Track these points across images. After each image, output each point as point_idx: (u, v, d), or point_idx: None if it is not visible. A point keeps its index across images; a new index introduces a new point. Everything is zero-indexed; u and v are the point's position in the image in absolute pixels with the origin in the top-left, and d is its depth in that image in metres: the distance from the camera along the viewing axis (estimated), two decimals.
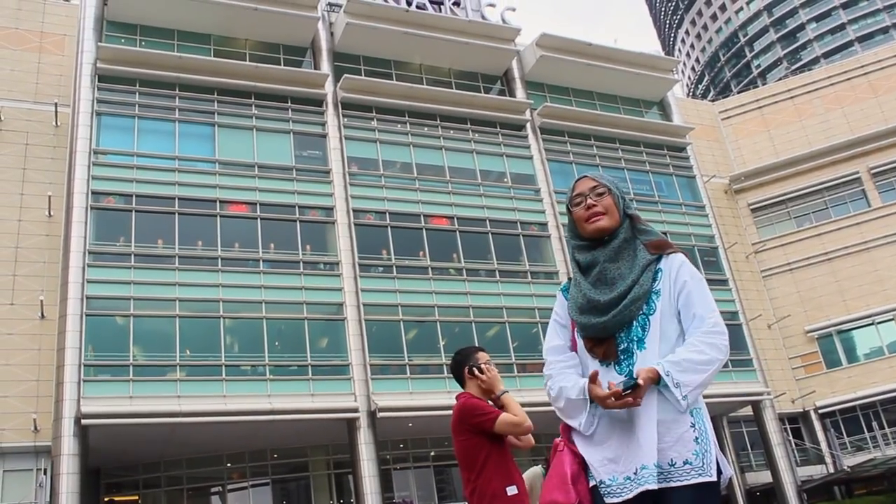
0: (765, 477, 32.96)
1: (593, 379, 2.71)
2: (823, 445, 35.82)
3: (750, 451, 35.32)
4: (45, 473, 22.77)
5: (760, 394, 31.29)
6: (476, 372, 4.46)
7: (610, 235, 2.89)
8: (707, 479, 2.63)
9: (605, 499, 2.72)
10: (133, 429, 22.25)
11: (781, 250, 39.13)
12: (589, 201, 2.89)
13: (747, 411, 32.70)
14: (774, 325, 37.51)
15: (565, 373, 2.88)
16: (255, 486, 26.95)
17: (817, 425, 36.37)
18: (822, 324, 37.45)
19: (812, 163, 39.95)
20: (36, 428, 23.02)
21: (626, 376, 2.73)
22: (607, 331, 2.75)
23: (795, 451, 35.14)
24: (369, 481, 23.81)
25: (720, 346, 2.72)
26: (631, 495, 2.65)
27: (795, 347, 37.66)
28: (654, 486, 2.60)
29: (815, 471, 34.85)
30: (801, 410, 36.49)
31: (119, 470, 25.86)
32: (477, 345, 27.15)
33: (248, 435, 24.53)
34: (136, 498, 26.27)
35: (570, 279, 3.03)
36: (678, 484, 2.63)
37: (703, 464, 2.65)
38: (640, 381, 2.61)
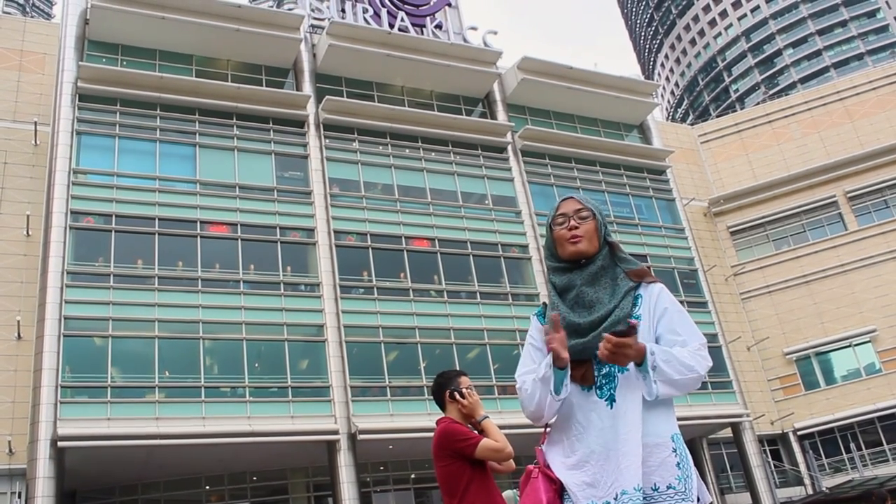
0: (744, 499, 33.00)
1: (556, 327, 2.68)
2: (802, 467, 35.95)
3: (729, 472, 35.37)
4: (19, 497, 22.39)
5: (740, 415, 31.41)
6: (457, 396, 4.46)
7: (587, 259, 2.89)
8: (689, 503, 2.63)
9: None
10: (110, 451, 21.98)
11: (760, 273, 39.45)
12: (572, 223, 2.89)
13: (727, 433, 32.80)
14: (753, 346, 37.73)
15: (532, 368, 2.85)
16: None
17: (796, 447, 36.52)
18: (801, 346, 37.72)
19: (789, 186, 40.40)
20: (11, 450, 22.67)
21: (606, 400, 2.73)
22: (587, 352, 2.73)
23: (774, 473, 35.24)
24: None
25: (703, 364, 2.71)
26: None
27: (774, 369, 37.88)
28: None
29: (794, 492, 34.97)
30: (780, 432, 36.65)
31: (96, 493, 25.49)
32: (458, 367, 27.00)
33: (228, 457, 24.30)
34: None
35: (545, 304, 3.02)
36: None
37: (686, 489, 2.65)
38: (632, 322, 2.61)
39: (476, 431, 4.37)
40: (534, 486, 2.81)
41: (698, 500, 2.70)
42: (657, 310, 2.83)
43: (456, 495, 4.26)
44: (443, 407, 4.57)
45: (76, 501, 24.91)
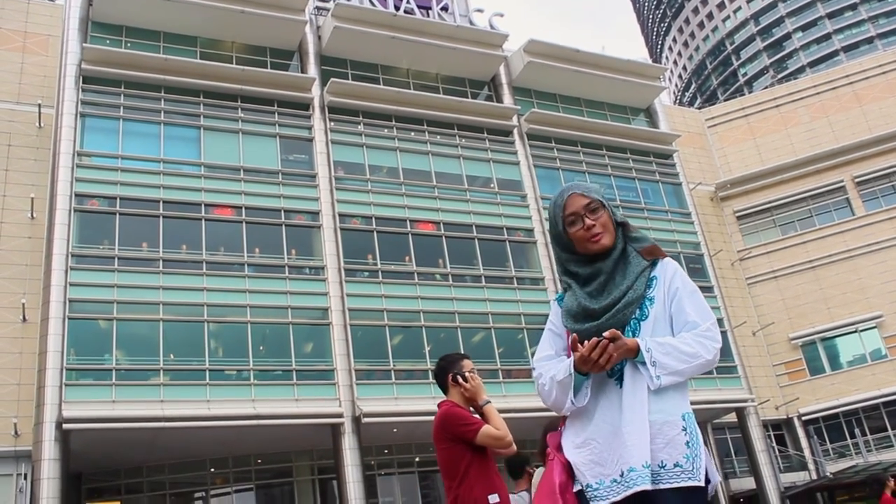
0: (748, 483, 33.08)
1: (574, 345, 2.69)
2: (806, 452, 35.98)
3: (734, 457, 35.45)
4: (25, 478, 22.51)
5: (745, 400, 31.39)
6: (460, 380, 4.44)
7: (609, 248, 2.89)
8: (696, 483, 2.60)
9: (591, 503, 2.68)
10: (115, 433, 22.05)
11: (766, 258, 39.33)
12: (588, 221, 2.85)
13: (731, 418, 32.82)
14: (759, 332, 37.68)
15: (552, 363, 2.86)
16: (239, 491, 26.80)
17: (801, 432, 36.54)
18: (806, 331, 37.65)
19: (797, 171, 40.19)
20: (16, 432, 22.76)
21: (615, 380, 2.74)
22: (600, 334, 2.69)
23: (779, 458, 35.28)
24: (353, 487, 23.70)
25: (708, 348, 2.72)
26: (618, 498, 2.62)
27: (779, 354, 37.84)
28: (649, 487, 2.57)
29: (799, 477, 35.03)
30: (785, 417, 36.67)
31: (101, 475, 25.62)
32: (463, 351, 27.06)
33: (232, 440, 24.37)
34: (119, 503, 26.04)
35: (564, 288, 2.99)
36: (667, 486, 2.59)
37: (693, 468, 2.62)
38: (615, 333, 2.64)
39: (478, 415, 4.35)
40: (550, 467, 2.85)
41: (708, 480, 2.68)
42: (670, 291, 2.84)
43: (456, 478, 4.27)
44: (445, 390, 4.56)
45: (82, 483, 25.04)
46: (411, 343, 26.56)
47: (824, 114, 41.68)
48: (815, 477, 34.85)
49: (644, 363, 2.67)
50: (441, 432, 4.37)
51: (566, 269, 2.96)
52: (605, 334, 2.62)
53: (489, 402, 4.44)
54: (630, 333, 2.77)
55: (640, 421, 2.65)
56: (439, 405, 4.49)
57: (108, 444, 22.88)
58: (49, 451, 20.77)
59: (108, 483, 25.90)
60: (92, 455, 23.14)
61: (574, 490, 2.77)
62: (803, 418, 36.55)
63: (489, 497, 4.22)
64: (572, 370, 2.71)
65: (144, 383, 22.78)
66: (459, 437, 4.29)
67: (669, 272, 2.86)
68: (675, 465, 2.62)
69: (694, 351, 2.69)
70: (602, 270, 2.86)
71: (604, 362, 2.63)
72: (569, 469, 2.79)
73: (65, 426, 20.95)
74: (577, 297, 2.86)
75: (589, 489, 2.71)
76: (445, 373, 4.56)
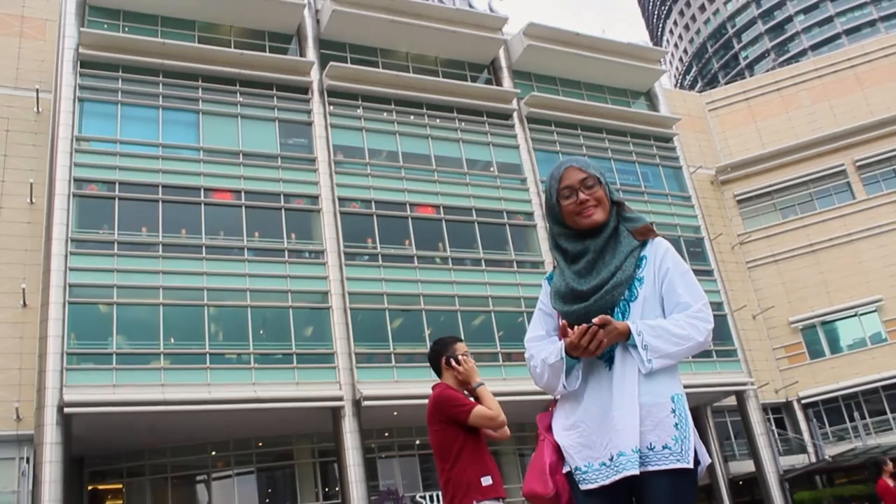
0: (748, 466, 33.18)
1: (564, 331, 2.66)
2: (806, 435, 36.07)
3: (733, 440, 35.53)
4: (27, 462, 22.59)
5: (744, 384, 31.47)
6: (453, 363, 4.46)
7: (601, 225, 2.84)
8: (684, 465, 2.58)
9: (579, 486, 2.67)
10: (117, 417, 22.13)
11: (766, 241, 39.28)
12: (582, 195, 2.81)
13: (731, 401, 32.89)
14: (759, 315, 37.69)
15: (543, 344, 2.84)
16: (240, 474, 26.92)
17: (800, 415, 36.60)
18: (806, 315, 37.65)
19: (798, 155, 40.05)
20: (18, 416, 22.84)
21: (605, 362, 2.71)
22: (589, 317, 2.66)
23: (778, 441, 35.36)
24: (354, 470, 23.81)
25: (700, 329, 2.66)
26: (607, 482, 2.61)
27: (779, 338, 37.86)
28: (637, 472, 2.55)
29: (798, 460, 35.11)
30: (785, 401, 36.73)
31: (103, 458, 25.72)
32: (463, 335, 26.97)
33: (233, 423, 24.46)
34: (121, 486, 26.20)
35: (554, 266, 2.97)
36: (655, 469, 2.58)
37: (682, 449, 2.59)
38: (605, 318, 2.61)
39: (471, 398, 4.36)
40: (540, 448, 2.83)
41: (697, 462, 2.65)
42: (661, 271, 2.78)
43: (448, 459, 4.30)
44: (439, 373, 4.58)
45: (84, 467, 25.15)
46: (411, 326, 26.59)
47: (826, 97, 41.50)
48: (814, 460, 34.95)
49: (636, 347, 2.64)
50: (434, 414, 4.39)
51: (557, 244, 2.93)
52: (595, 320, 2.59)
53: (482, 384, 4.45)
54: (619, 315, 2.73)
55: (629, 404, 2.62)
56: (433, 388, 4.52)
57: (110, 428, 22.96)
58: (51, 435, 20.85)
59: (110, 466, 26.01)
60: (94, 439, 23.23)
61: (563, 471, 2.76)
62: (803, 402, 36.60)
63: (482, 479, 4.24)
64: (563, 354, 2.69)
65: (145, 367, 22.82)
66: (453, 419, 4.32)
67: (660, 252, 2.81)
68: (664, 447, 2.60)
69: (686, 333, 2.65)
70: (591, 248, 2.81)
71: (594, 348, 2.60)
72: (559, 450, 2.78)
73: (66, 410, 21.03)
74: (565, 276, 2.83)
75: (577, 472, 2.70)
76: (439, 356, 4.60)
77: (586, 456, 2.68)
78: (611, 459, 2.61)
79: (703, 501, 34.36)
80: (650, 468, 2.58)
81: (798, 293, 38.03)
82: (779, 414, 37.09)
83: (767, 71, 58.47)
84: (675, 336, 2.64)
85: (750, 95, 42.95)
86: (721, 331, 31.41)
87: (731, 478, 33.48)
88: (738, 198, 40.37)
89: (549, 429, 2.85)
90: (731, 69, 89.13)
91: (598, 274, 2.78)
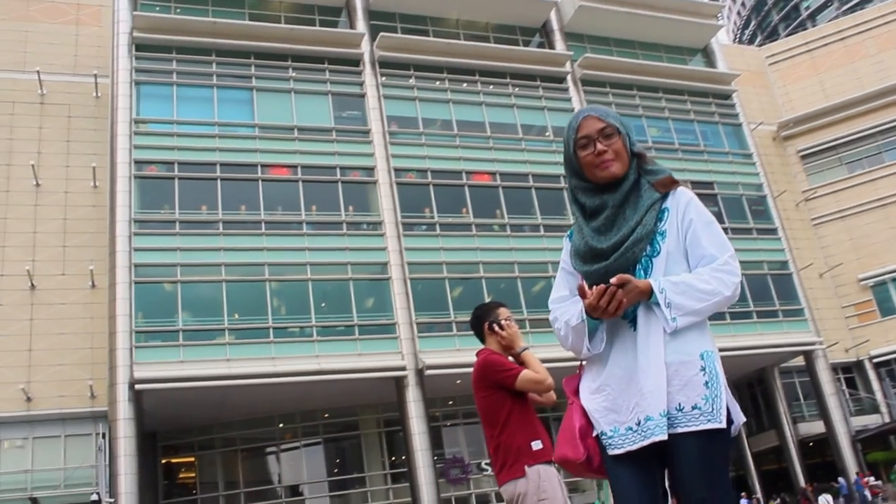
0: (818, 427, 32.56)
1: (582, 292, 2.54)
2: (878, 395, 35.21)
3: (802, 401, 34.89)
4: (103, 437, 23.37)
5: (812, 343, 30.74)
6: (496, 328, 4.39)
7: (620, 178, 2.69)
8: (716, 425, 2.44)
9: (607, 451, 2.58)
10: (185, 393, 22.66)
11: (833, 197, 38.17)
12: (599, 146, 2.66)
13: (799, 361, 32.22)
14: (826, 273, 36.74)
15: (566, 306, 2.74)
16: (308, 445, 27.42)
17: (872, 374, 35.71)
18: (877, 271, 36.56)
19: (864, 106, 38.67)
20: (93, 394, 23.62)
21: (629, 322, 2.59)
22: (609, 276, 2.53)
23: (849, 401, 34.61)
24: (419, 438, 24.01)
25: (727, 283, 2.51)
26: (635, 447, 2.50)
27: (848, 296, 36.87)
28: (665, 437, 2.44)
29: (870, 420, 34.34)
30: (855, 360, 35.85)
31: (174, 433, 26.42)
32: (521, 302, 26.73)
33: (299, 396, 24.84)
34: (193, 459, 26.88)
35: (575, 223, 2.85)
36: (685, 430, 2.45)
37: (713, 409, 2.45)
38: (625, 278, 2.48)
39: (516, 363, 4.29)
40: (569, 412, 2.73)
41: (731, 421, 2.52)
42: (684, 223, 2.63)
43: (497, 425, 4.25)
44: (482, 339, 4.53)
45: (157, 441, 25.87)
46: (471, 294, 26.53)
47: (893, 45, 39.92)
48: (887, 420, 34.12)
49: (658, 305, 2.50)
50: (480, 380, 4.33)
51: (575, 198, 2.80)
52: (613, 280, 2.45)
53: (527, 348, 4.37)
54: (642, 272, 2.60)
55: (655, 366, 2.50)
56: (477, 354, 4.46)
57: (180, 403, 23.54)
58: (124, 411, 21.46)
59: (181, 440, 26.71)
60: (165, 414, 23.86)
61: (594, 434, 2.66)
62: (875, 360, 35.68)
63: (532, 443, 4.16)
64: (584, 316, 2.58)
65: (211, 343, 23.27)
66: (499, 384, 4.24)
67: (683, 203, 2.65)
68: (694, 408, 2.46)
69: (712, 288, 2.50)
70: (609, 203, 2.67)
71: (613, 309, 2.47)
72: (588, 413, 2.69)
73: (137, 387, 21.60)
74: (584, 234, 2.72)
75: (604, 436, 2.59)
76: (481, 321, 4.53)
77: (612, 420, 2.58)
78: (638, 424, 2.50)
79: (773, 463, 33.91)
80: (679, 430, 2.45)
81: (867, 249, 36.93)
82: (849, 373, 36.24)
83: (830, 20, 56.47)
84: (701, 291, 2.50)
85: (812, 47, 41.59)
86: (787, 290, 30.71)
87: (801, 439, 32.91)
88: (801, 153, 39.24)
89: (577, 392, 2.75)
90: (791, 21, 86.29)
91: (619, 230, 2.64)
